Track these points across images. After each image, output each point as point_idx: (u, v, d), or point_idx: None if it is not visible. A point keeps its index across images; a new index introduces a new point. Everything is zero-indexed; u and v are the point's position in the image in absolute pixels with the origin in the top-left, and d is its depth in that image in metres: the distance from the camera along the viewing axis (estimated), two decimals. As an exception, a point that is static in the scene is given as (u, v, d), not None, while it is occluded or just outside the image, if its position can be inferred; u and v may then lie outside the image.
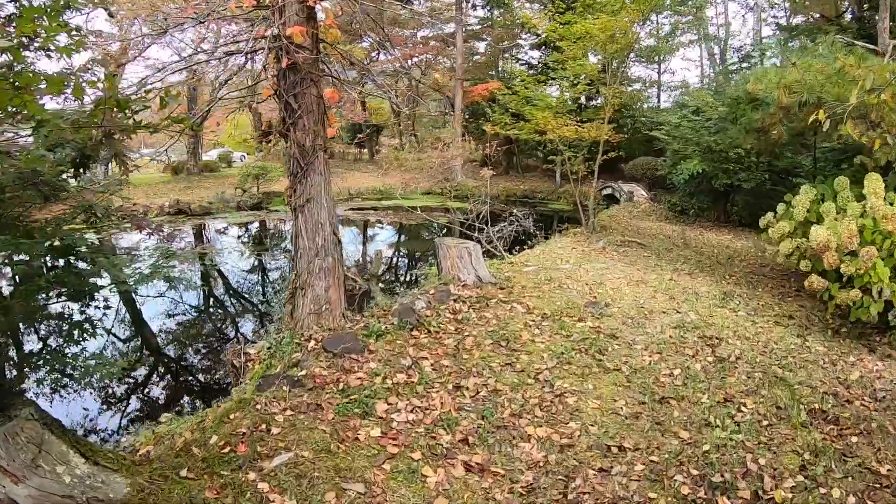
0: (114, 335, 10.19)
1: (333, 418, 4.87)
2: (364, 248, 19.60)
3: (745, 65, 29.09)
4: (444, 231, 19.68)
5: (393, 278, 14.31)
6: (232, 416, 4.88)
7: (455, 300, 7.72)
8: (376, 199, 29.39)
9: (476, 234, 12.25)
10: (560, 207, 25.30)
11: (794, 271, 9.76)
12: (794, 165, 14.99)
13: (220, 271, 15.86)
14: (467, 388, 5.49)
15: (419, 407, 5.14)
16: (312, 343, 6.74)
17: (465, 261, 8.38)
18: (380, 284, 9.95)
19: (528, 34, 30.68)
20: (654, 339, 6.84)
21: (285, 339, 6.93)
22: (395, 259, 18.37)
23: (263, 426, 4.64)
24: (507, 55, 35.43)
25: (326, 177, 7.36)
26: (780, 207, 9.35)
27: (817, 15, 20.74)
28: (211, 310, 12.75)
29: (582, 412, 5.18)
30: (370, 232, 22.54)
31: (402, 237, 21.94)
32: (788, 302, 9.03)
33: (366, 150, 41.88)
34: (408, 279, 14.08)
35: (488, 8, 34.20)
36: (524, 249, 13.45)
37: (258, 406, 4.97)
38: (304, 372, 5.81)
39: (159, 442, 5.02)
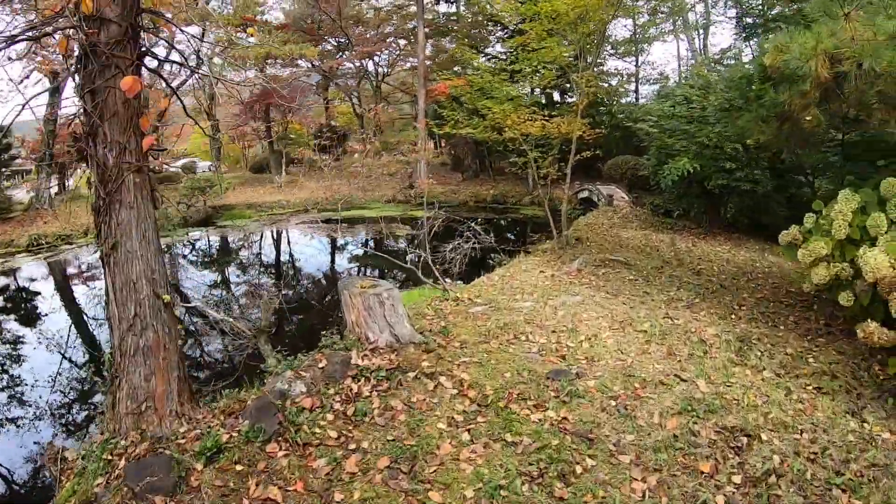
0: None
1: None
2: (290, 269, 17.10)
3: (728, 55, 27.03)
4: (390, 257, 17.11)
5: (318, 321, 11.79)
6: None
7: (355, 376, 5.26)
8: (331, 211, 26.87)
9: (423, 254, 9.73)
10: (533, 213, 22.92)
11: (818, 294, 7.43)
12: (799, 163, 12.74)
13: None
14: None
15: None
16: (123, 462, 4.33)
17: (376, 313, 5.90)
18: (272, 344, 7.44)
19: (496, 26, 28.29)
20: (648, 439, 4.39)
21: (97, 450, 4.55)
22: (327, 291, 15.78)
23: None
24: (474, 51, 33.09)
25: (144, 210, 4.86)
26: (808, 219, 6.95)
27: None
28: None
29: None
30: (315, 250, 19.90)
31: (352, 254, 19.35)
32: (821, 346, 6.64)
33: (325, 157, 39.25)
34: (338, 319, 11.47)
35: (454, 1, 31.78)
36: (482, 273, 11.04)
37: None
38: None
39: None
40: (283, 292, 13.43)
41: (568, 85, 19.68)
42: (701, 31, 31.19)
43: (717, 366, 5.71)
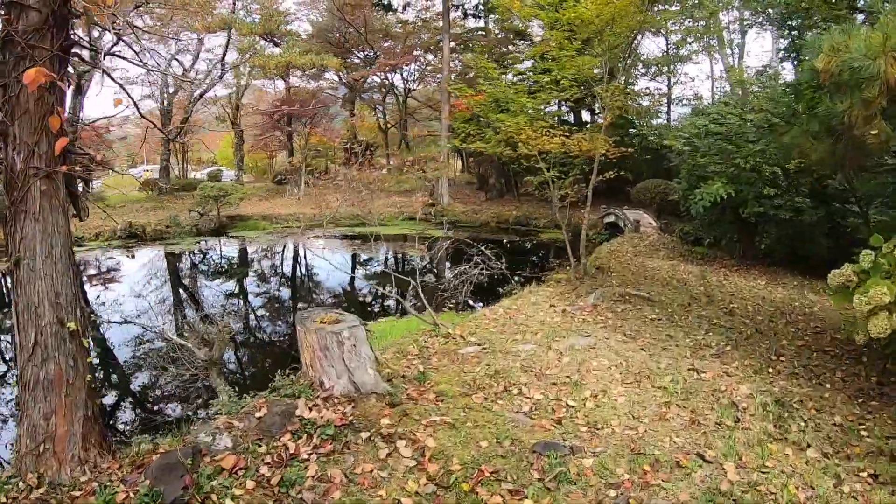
0: None
1: None
2: (291, 283, 16.21)
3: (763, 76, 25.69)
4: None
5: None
6: None
7: (296, 431, 4.27)
8: (349, 227, 26.05)
9: (424, 279, 8.72)
10: (556, 237, 21.75)
11: (868, 344, 6.24)
12: (844, 189, 11.50)
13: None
14: None
15: None
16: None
17: (334, 355, 4.90)
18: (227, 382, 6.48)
19: (522, 41, 27.37)
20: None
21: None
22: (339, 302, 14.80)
23: None
24: (497, 66, 32.17)
25: (52, 223, 4.07)
26: (865, 257, 5.78)
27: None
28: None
29: None
30: (318, 268, 19.02)
31: (364, 273, 18.42)
32: (874, 412, 5.43)
33: (349, 171, 38.56)
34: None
35: (482, 16, 30.95)
36: (488, 303, 10.01)
37: None
38: None
39: None
40: (261, 314, 12.61)
41: (596, 103, 18.60)
42: (736, 50, 29.83)
43: (750, 440, 4.56)
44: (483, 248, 11.41)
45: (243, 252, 22.11)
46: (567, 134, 11.16)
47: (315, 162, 46.41)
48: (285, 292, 15.72)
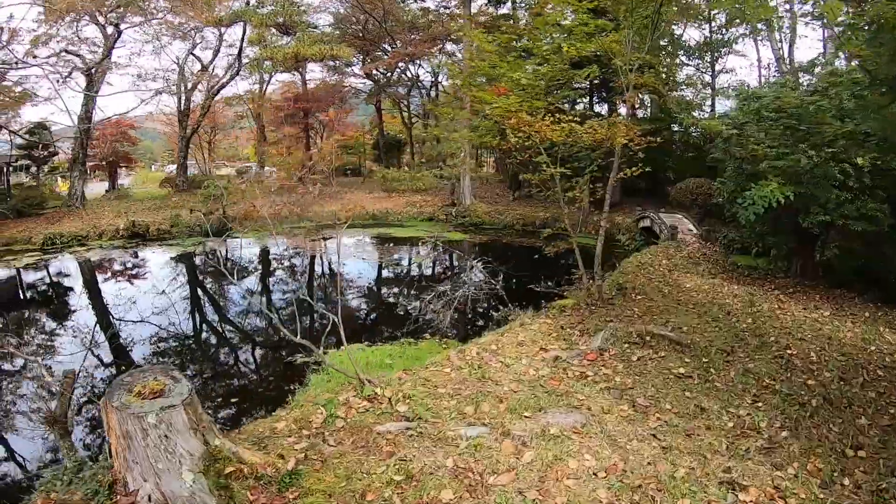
0: None
1: None
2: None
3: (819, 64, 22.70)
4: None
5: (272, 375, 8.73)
6: None
7: None
8: (361, 227, 24.11)
9: (333, 317, 6.50)
10: (586, 242, 19.40)
11: None
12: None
13: None
14: None
15: None
16: None
17: (137, 447, 3.00)
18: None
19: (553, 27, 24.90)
20: None
21: None
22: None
23: None
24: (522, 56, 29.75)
25: None
26: None
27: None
28: None
29: None
30: (299, 278, 16.97)
31: (367, 279, 16.35)
32: None
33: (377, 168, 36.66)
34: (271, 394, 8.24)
35: (505, 2, 28.56)
36: (471, 334, 7.90)
37: None
38: None
39: None
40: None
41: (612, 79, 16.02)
42: (787, 34, 26.70)
43: None
44: (477, 261, 9.26)
45: (232, 257, 20.33)
46: (578, 120, 8.84)
47: (345, 159, 44.75)
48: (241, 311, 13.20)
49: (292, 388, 7.15)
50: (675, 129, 23.51)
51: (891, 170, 8.52)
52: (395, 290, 13.50)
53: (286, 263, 18.95)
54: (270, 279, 16.38)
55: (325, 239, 21.73)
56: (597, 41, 8.89)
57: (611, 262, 14.61)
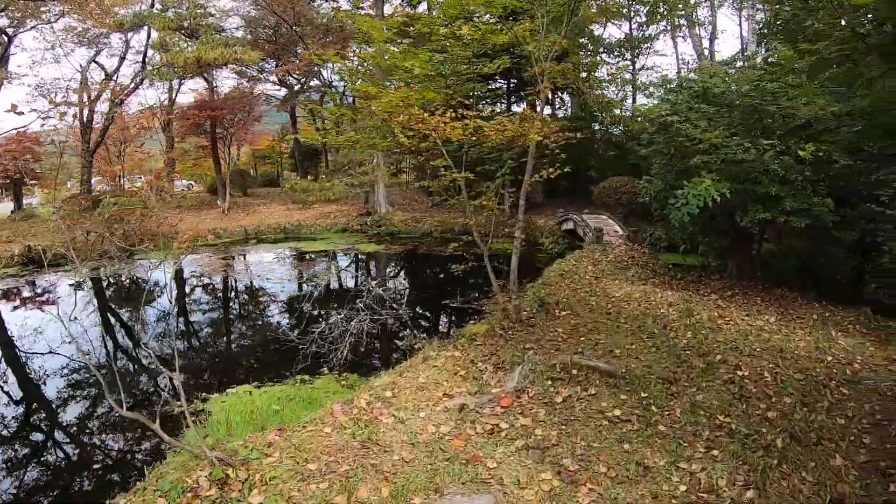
0: None
1: None
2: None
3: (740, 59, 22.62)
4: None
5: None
6: None
7: None
8: (272, 242, 22.28)
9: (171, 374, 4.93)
10: (506, 248, 18.30)
11: None
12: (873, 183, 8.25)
13: None
14: None
15: None
16: None
17: None
18: None
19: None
20: None
21: None
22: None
23: None
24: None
25: None
26: None
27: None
28: None
29: None
30: (196, 304, 15.16)
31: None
32: None
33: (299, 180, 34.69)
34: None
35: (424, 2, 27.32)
36: (374, 370, 6.52)
37: None
38: None
39: None
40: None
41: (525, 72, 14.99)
42: (708, 29, 26.67)
43: None
44: (381, 279, 7.86)
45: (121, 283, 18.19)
46: (485, 116, 7.57)
47: (264, 169, 42.50)
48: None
49: (152, 458, 5.50)
50: (597, 127, 22.89)
51: (833, 161, 7.67)
52: (290, 318, 11.70)
53: (184, 288, 16.92)
54: (146, 312, 14.03)
55: (231, 258, 19.78)
56: (507, 27, 7.70)
57: (535, 268, 13.52)
